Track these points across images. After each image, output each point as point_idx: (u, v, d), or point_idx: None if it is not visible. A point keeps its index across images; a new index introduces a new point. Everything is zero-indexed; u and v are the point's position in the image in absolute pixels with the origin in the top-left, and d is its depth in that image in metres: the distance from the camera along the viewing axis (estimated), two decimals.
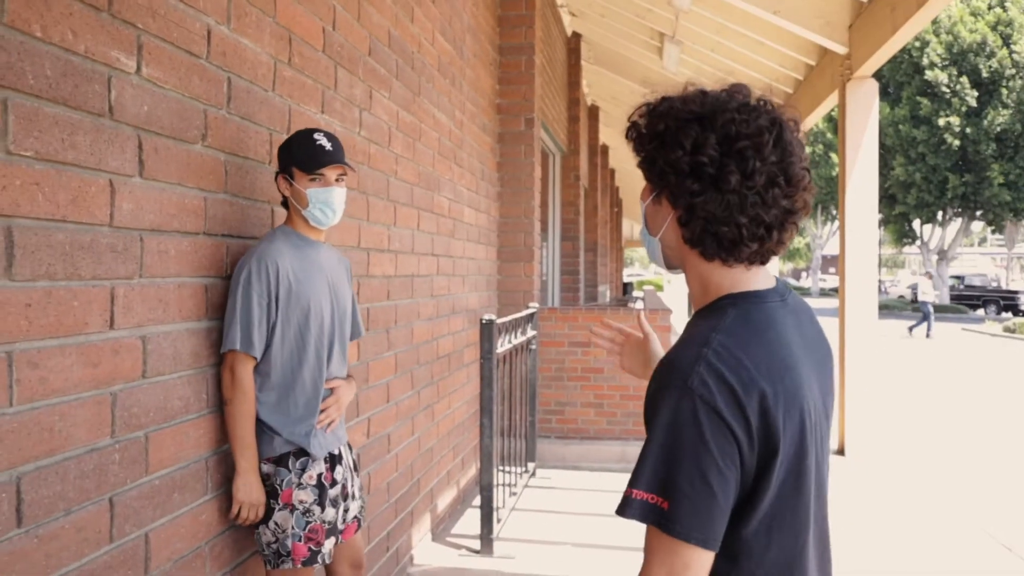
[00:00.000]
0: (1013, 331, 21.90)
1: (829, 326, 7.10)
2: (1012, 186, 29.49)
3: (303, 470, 2.46)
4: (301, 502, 2.44)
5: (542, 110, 7.68)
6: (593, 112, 13.83)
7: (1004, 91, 28.48)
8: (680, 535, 1.14)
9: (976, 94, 28.62)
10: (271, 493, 2.44)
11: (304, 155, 2.46)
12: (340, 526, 2.59)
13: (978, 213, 31.80)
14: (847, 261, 6.98)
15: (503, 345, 4.95)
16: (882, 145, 29.94)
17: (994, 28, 28.77)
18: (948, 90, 28.83)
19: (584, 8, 9.64)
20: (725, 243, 1.26)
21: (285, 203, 2.56)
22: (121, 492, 1.96)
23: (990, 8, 29.23)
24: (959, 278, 36.14)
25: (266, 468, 2.45)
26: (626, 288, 24.23)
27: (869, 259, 6.97)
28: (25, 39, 1.67)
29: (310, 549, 2.44)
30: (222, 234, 2.42)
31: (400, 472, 4.17)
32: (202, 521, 2.31)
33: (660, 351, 1.81)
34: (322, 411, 2.54)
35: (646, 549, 1.18)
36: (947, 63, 28.96)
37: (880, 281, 46.00)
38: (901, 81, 30.44)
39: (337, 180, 2.51)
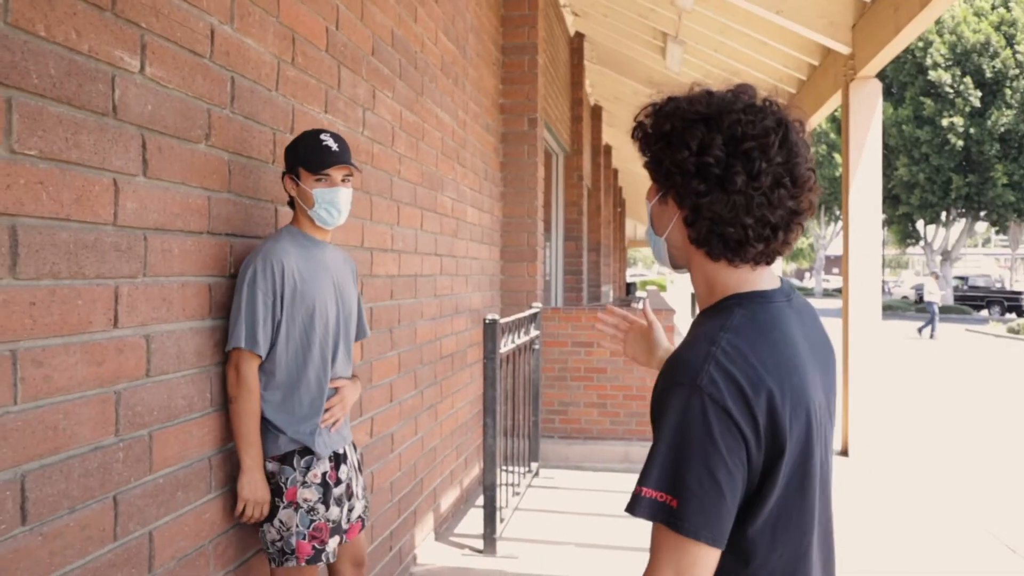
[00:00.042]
0: (1017, 332, 21.86)
1: (833, 327, 7.10)
2: (1016, 187, 29.43)
3: (308, 468, 2.47)
4: (305, 500, 2.45)
5: (545, 110, 7.68)
6: (596, 112, 13.83)
7: (1008, 91, 28.43)
8: (689, 533, 1.14)
9: (980, 94, 28.57)
10: (276, 491, 2.44)
11: (310, 155, 2.47)
12: (344, 525, 2.60)
13: (982, 214, 31.74)
14: (851, 261, 6.97)
15: (506, 345, 4.95)
16: (885, 145, 29.91)
17: (998, 28, 28.71)
18: (952, 90, 28.78)
19: (587, 8, 9.64)
20: (731, 243, 1.27)
21: (291, 203, 2.57)
22: (125, 490, 1.97)
23: (994, 8, 29.17)
24: (963, 279, 36.07)
25: (271, 466, 2.45)
26: (629, 288, 24.24)
27: (873, 259, 6.96)
28: (29, 38, 1.67)
29: (314, 548, 2.45)
30: (226, 233, 2.43)
31: (403, 472, 4.17)
32: (206, 520, 2.31)
33: (664, 340, 1.84)
34: (327, 410, 2.55)
35: (653, 547, 1.19)
36: (951, 63, 28.91)
37: (884, 282, 45.98)
38: (904, 81, 30.39)
39: (343, 181, 2.52)
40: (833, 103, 7.91)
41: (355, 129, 3.48)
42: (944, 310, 29.44)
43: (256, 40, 2.61)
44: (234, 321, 2.36)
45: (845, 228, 7.12)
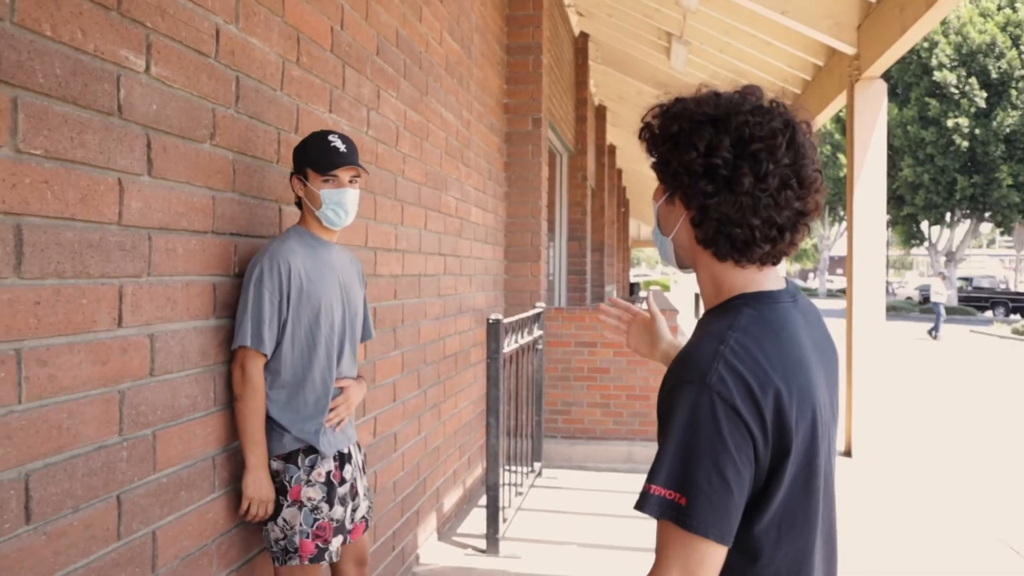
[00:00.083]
0: (1021, 333, 21.82)
1: (837, 327, 7.09)
2: (1021, 187, 29.37)
3: (312, 467, 2.48)
4: (310, 499, 2.45)
5: (549, 110, 7.68)
6: (600, 112, 13.82)
7: (1013, 92, 28.37)
8: (697, 530, 1.15)
9: (985, 95, 28.51)
10: (280, 490, 2.45)
11: (318, 156, 2.48)
12: (348, 525, 2.60)
13: (987, 215, 31.68)
14: (855, 262, 6.96)
15: (509, 345, 4.95)
16: (890, 146, 29.85)
17: (1003, 29, 28.65)
18: (957, 91, 28.72)
19: (592, 8, 9.64)
20: (738, 244, 1.27)
21: (299, 203, 2.58)
22: (129, 490, 1.97)
23: (999, 9, 29.11)
24: (967, 280, 36.00)
25: (275, 465, 2.46)
26: (633, 288, 24.26)
27: (877, 260, 6.95)
28: (35, 38, 1.67)
29: (317, 546, 2.45)
30: (230, 233, 2.43)
31: (406, 471, 4.17)
32: (209, 519, 2.32)
33: (667, 333, 1.85)
34: (332, 410, 2.55)
35: (661, 544, 1.19)
36: (956, 64, 28.86)
37: (888, 282, 45.89)
38: (910, 82, 30.33)
39: (351, 182, 2.53)
40: (838, 104, 7.90)
41: (359, 129, 3.49)
42: (949, 311, 29.39)
43: (261, 40, 2.61)
44: (240, 320, 2.36)
45: (849, 229, 7.11)
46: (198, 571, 2.26)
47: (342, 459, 2.58)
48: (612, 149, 16.54)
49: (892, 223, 34.10)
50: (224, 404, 2.40)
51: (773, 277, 1.34)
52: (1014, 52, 28.23)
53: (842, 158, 34.35)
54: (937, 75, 28.77)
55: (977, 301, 33.63)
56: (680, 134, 1.29)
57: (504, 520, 4.71)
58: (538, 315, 6.04)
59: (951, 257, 33.92)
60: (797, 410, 1.21)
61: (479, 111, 5.73)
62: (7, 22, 1.61)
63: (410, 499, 4.24)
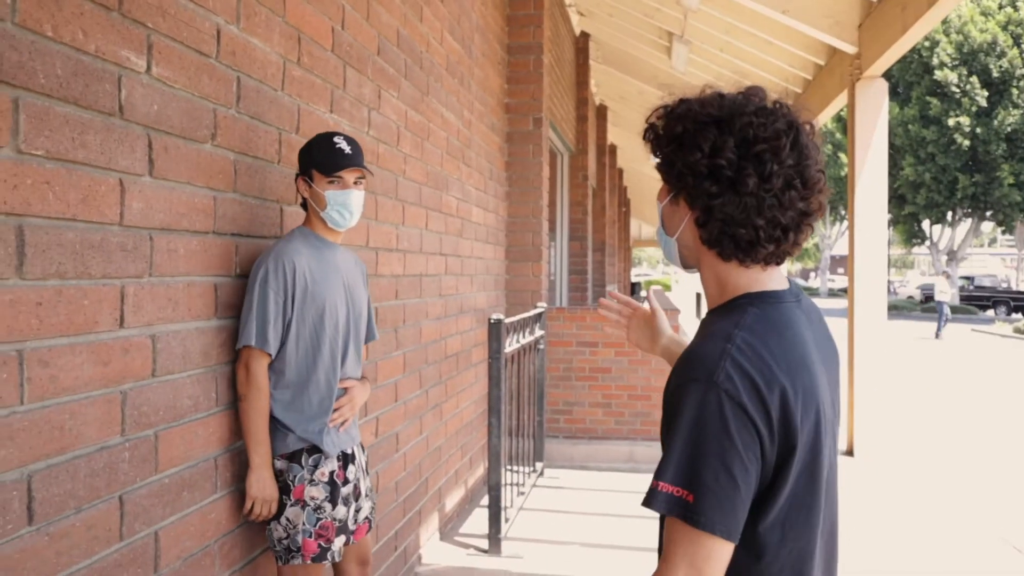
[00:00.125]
0: (1023, 332, 21.79)
1: (838, 326, 7.08)
2: (1022, 186, 29.34)
3: (315, 467, 2.48)
4: (313, 498, 2.46)
5: (550, 109, 7.68)
6: (601, 112, 13.82)
7: (1015, 91, 28.35)
8: (704, 527, 1.16)
9: (986, 94, 28.49)
10: (283, 489, 2.46)
11: (323, 158, 2.49)
12: (351, 526, 2.60)
13: (988, 213, 31.66)
14: (856, 261, 6.96)
15: (511, 345, 4.95)
16: (891, 145, 29.82)
17: (1004, 28, 28.63)
18: (958, 90, 28.70)
19: (592, 7, 9.63)
20: (742, 244, 1.28)
21: (304, 205, 2.59)
22: (131, 490, 1.97)
23: (1001, 8, 29.09)
24: (969, 279, 35.98)
25: (279, 464, 2.47)
26: (634, 288, 24.25)
27: (878, 259, 6.95)
28: (36, 39, 1.67)
29: (320, 546, 2.46)
30: (231, 233, 2.43)
31: (408, 471, 4.17)
32: (211, 519, 2.32)
33: (667, 328, 1.87)
34: (336, 410, 2.56)
35: (668, 541, 1.20)
36: (957, 63, 28.84)
37: (889, 281, 45.87)
38: (911, 81, 30.32)
39: (355, 183, 2.54)
40: (839, 103, 7.89)
41: (360, 129, 3.48)
42: (951, 310, 29.38)
43: (262, 40, 2.61)
44: (245, 319, 2.37)
45: (851, 228, 7.11)
46: (200, 571, 2.26)
47: (345, 459, 2.59)
48: (613, 149, 16.53)
49: (893, 222, 34.07)
50: (226, 404, 2.40)
51: (777, 277, 1.35)
52: (1015, 51, 28.21)
53: (843, 157, 34.34)
54: (938, 74, 28.75)
55: (979, 300, 33.61)
56: (685, 135, 1.30)
57: (506, 520, 4.71)
58: (539, 315, 6.04)
59: (952, 256, 33.90)
60: (802, 408, 1.22)
61: (480, 111, 5.73)
62: (8, 22, 1.61)
63: (412, 499, 4.24)
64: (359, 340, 2.71)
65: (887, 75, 7.08)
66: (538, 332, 6.00)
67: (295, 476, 2.46)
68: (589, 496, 5.75)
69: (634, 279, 34.82)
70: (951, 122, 28.66)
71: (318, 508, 2.46)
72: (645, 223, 34.82)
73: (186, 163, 2.19)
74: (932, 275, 44.92)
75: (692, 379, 1.21)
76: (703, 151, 1.27)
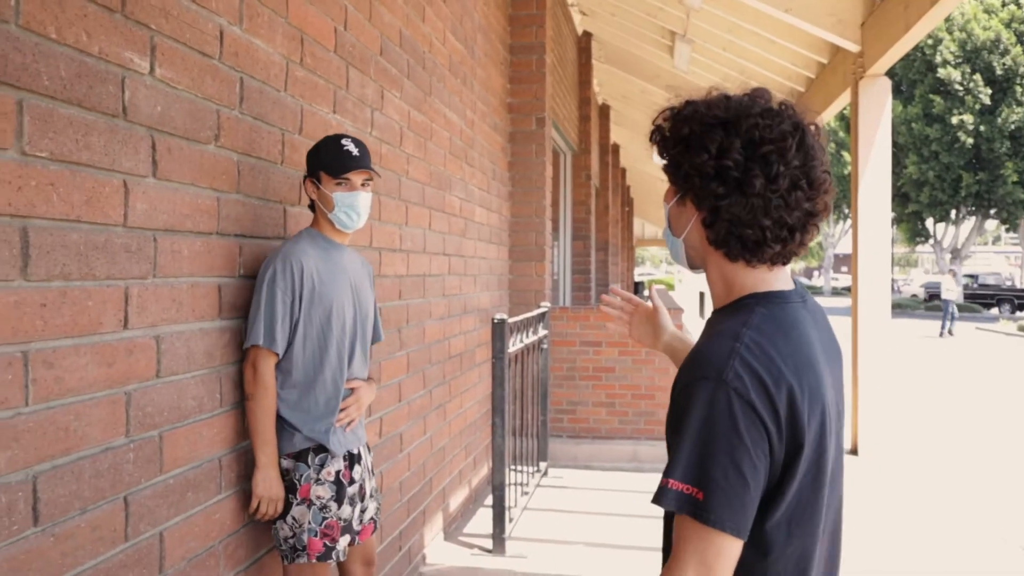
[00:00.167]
0: None
1: (842, 325, 7.07)
2: None
3: (322, 466, 2.50)
4: (319, 498, 2.47)
5: (553, 109, 7.67)
6: (604, 111, 13.81)
7: (1018, 89, 28.28)
8: (714, 524, 1.17)
9: (990, 92, 28.43)
10: (290, 488, 2.47)
11: (331, 160, 2.51)
12: (357, 526, 2.61)
13: (992, 211, 31.59)
14: (860, 260, 6.95)
15: (515, 344, 4.95)
16: (895, 143, 29.76)
17: (1008, 25, 28.57)
18: (961, 88, 28.64)
19: (595, 7, 9.62)
20: (749, 244, 1.30)
21: (311, 206, 2.61)
22: (136, 491, 1.97)
23: (1004, 5, 29.02)
24: (973, 277, 35.90)
25: (285, 464, 2.48)
26: (637, 287, 24.27)
27: (882, 258, 6.93)
28: (40, 40, 1.68)
29: (325, 545, 2.47)
30: (235, 234, 2.43)
31: (412, 471, 4.17)
32: (216, 520, 2.32)
33: (670, 324, 1.89)
34: (342, 410, 2.58)
35: (678, 538, 1.21)
36: (960, 61, 28.78)
37: (893, 280, 45.77)
38: (914, 79, 30.26)
39: (363, 185, 2.57)
40: (842, 101, 7.88)
41: (363, 129, 3.49)
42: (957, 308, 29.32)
43: (265, 41, 2.61)
44: (253, 319, 2.39)
45: (854, 226, 7.10)
46: (205, 572, 2.26)
47: (352, 459, 2.60)
48: (616, 148, 16.52)
49: (897, 220, 34.02)
50: (230, 405, 2.40)
51: (783, 277, 1.36)
52: (1019, 48, 28.14)
53: (847, 156, 34.28)
54: (941, 72, 28.70)
55: (983, 298, 33.55)
56: (691, 137, 1.31)
57: (510, 520, 4.71)
58: (543, 315, 6.04)
59: (956, 254, 33.84)
60: (808, 407, 1.23)
61: (483, 111, 5.73)
62: (12, 24, 1.61)
63: (416, 499, 4.24)
64: (366, 341, 2.73)
65: (890, 73, 7.07)
66: (542, 332, 6.00)
67: (301, 475, 2.47)
68: (593, 496, 5.75)
69: (637, 278, 34.82)
70: (954, 120, 28.60)
71: (324, 507, 2.47)
72: (648, 222, 34.79)
73: (190, 164, 2.19)
74: (936, 273, 44.84)
75: (701, 377, 1.22)
76: (710, 152, 1.28)
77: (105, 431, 1.87)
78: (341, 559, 2.53)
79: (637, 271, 59.02)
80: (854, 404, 6.87)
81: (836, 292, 48.17)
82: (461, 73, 5.12)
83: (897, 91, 30.63)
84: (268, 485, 2.41)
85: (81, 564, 1.79)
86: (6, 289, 1.60)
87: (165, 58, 2.08)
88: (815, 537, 1.29)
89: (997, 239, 66.63)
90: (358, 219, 2.57)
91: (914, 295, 39.83)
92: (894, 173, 29.81)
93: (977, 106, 28.56)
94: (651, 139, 1.39)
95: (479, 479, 5.73)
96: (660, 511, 1.32)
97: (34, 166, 1.66)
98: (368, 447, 2.78)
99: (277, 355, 2.43)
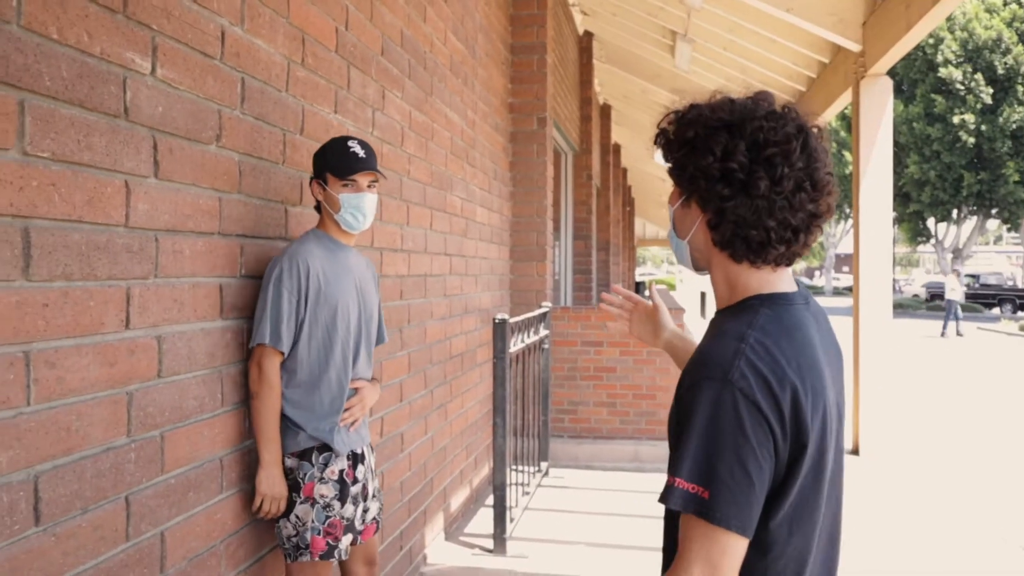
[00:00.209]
0: None
1: (843, 325, 7.07)
2: None
3: (326, 465, 2.51)
4: (322, 496, 2.49)
5: (554, 109, 7.67)
6: (605, 111, 13.81)
7: (1020, 88, 28.25)
8: (720, 522, 1.19)
9: (991, 91, 28.39)
10: (293, 487, 2.49)
11: (338, 161, 2.54)
12: (359, 526, 2.63)
13: (993, 211, 31.56)
14: (861, 260, 6.94)
15: (516, 344, 4.95)
16: (896, 143, 29.75)
17: (1009, 25, 28.54)
18: (963, 87, 28.61)
19: (596, 7, 9.62)
20: (754, 245, 1.32)
21: (318, 207, 2.63)
22: (137, 491, 1.97)
23: (1005, 4, 28.99)
24: (974, 276, 35.87)
25: (289, 462, 2.50)
26: (638, 287, 24.27)
27: (883, 258, 6.93)
28: (42, 41, 1.68)
29: (328, 543, 2.48)
30: (236, 234, 2.44)
31: (413, 471, 4.18)
32: (217, 520, 2.32)
33: (670, 322, 1.91)
34: (346, 410, 2.59)
35: (684, 537, 1.23)
36: (962, 60, 28.75)
37: (894, 280, 45.75)
38: (915, 78, 30.24)
39: (369, 186, 2.59)
40: (843, 101, 7.87)
41: (365, 129, 3.49)
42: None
43: (266, 41, 2.61)
44: (259, 318, 2.41)
45: (856, 226, 7.09)
46: (206, 572, 2.27)
47: (355, 459, 2.61)
48: (617, 148, 16.52)
49: (898, 220, 34.00)
50: (232, 405, 2.41)
51: (786, 279, 1.38)
52: (1020, 48, 28.11)
53: (848, 155, 34.25)
54: (943, 71, 28.67)
55: (984, 298, 33.52)
56: (696, 139, 1.33)
57: (511, 520, 4.71)
58: (544, 315, 6.04)
59: (958, 254, 33.80)
60: (812, 407, 1.25)
61: (484, 111, 5.73)
62: (14, 25, 1.61)
63: (417, 499, 4.24)
64: (370, 341, 2.75)
65: (891, 73, 7.06)
66: (543, 332, 6.00)
67: (305, 474, 2.49)
68: (594, 496, 5.75)
69: (639, 278, 34.82)
70: (956, 119, 28.57)
71: (327, 506, 2.49)
72: (650, 222, 34.79)
73: (191, 164, 2.19)
74: (937, 273, 44.78)
75: (707, 378, 1.24)
76: (715, 155, 1.30)
77: (107, 431, 1.87)
78: (343, 558, 2.54)
79: (638, 271, 59.02)
80: (855, 404, 6.86)
81: (837, 292, 48.13)
82: (462, 73, 5.12)
83: (898, 90, 30.61)
84: (271, 483, 2.42)
85: (82, 564, 1.79)
86: (8, 289, 1.60)
87: (167, 58, 2.08)
88: (813, 535, 1.31)
89: (999, 239, 66.59)
90: (364, 220, 2.59)
91: (915, 295, 39.80)
92: (895, 173, 29.81)
93: (978, 105, 28.53)
94: (656, 142, 1.42)
95: (480, 479, 5.73)
96: (661, 511, 1.33)
97: (36, 166, 1.66)
98: (371, 447, 2.79)
99: (282, 354, 2.44)
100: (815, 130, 1.34)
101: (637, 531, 4.82)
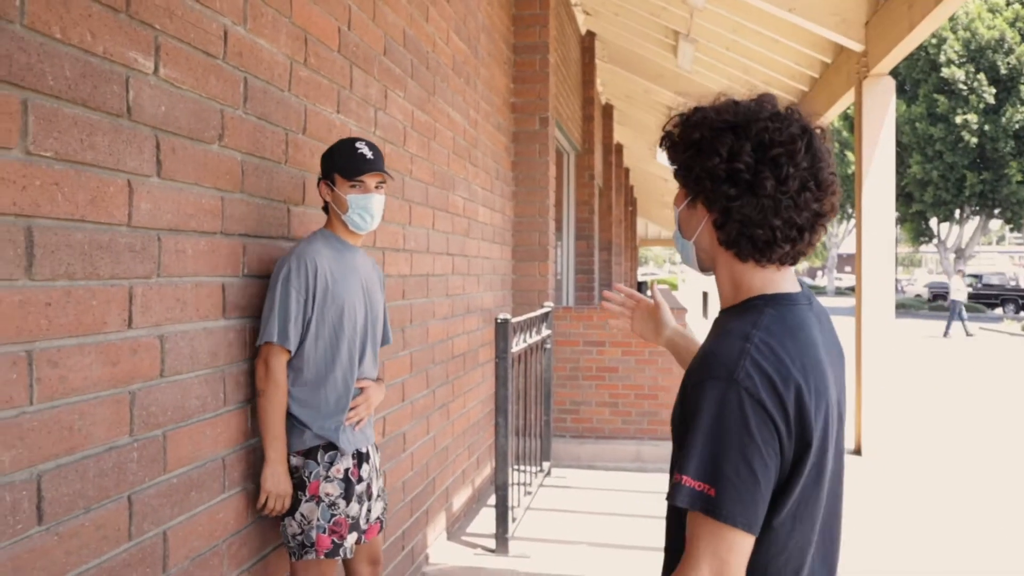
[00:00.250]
0: None
1: (846, 325, 7.06)
2: None
3: (331, 464, 2.52)
4: (327, 495, 2.50)
5: (556, 109, 7.67)
6: (607, 111, 13.80)
7: (1023, 88, 28.19)
8: (726, 519, 1.20)
9: (994, 91, 28.34)
10: (299, 485, 2.50)
11: (346, 162, 2.56)
12: (364, 525, 2.64)
13: (996, 211, 31.51)
14: (864, 260, 6.94)
15: (518, 344, 4.95)
16: (899, 143, 29.72)
17: (1012, 25, 28.48)
18: (965, 87, 28.56)
19: (598, 7, 9.62)
20: (760, 244, 1.34)
21: (325, 208, 2.65)
22: (139, 490, 1.98)
23: (1008, 4, 28.94)
24: (977, 276, 35.82)
25: (295, 461, 2.51)
26: (640, 287, 24.26)
27: (886, 258, 6.92)
28: (45, 40, 1.68)
29: (333, 542, 2.49)
30: (239, 234, 2.44)
31: (415, 471, 4.18)
32: (219, 519, 2.32)
33: (671, 320, 1.94)
34: (352, 409, 2.60)
35: (691, 534, 1.24)
36: (964, 60, 28.70)
37: (897, 280, 45.72)
38: (918, 78, 30.18)
39: (376, 187, 2.61)
40: (846, 101, 7.87)
41: (367, 129, 3.49)
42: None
43: (269, 41, 2.61)
44: (267, 317, 2.42)
45: (858, 226, 7.08)
46: (209, 571, 2.27)
47: (360, 458, 2.63)
48: (619, 148, 16.51)
49: (901, 220, 33.93)
50: (234, 404, 2.41)
51: (789, 279, 1.40)
52: (1023, 48, 28.06)
53: (850, 155, 34.20)
54: (945, 71, 28.62)
55: (987, 298, 33.47)
56: (702, 141, 1.35)
57: (513, 519, 4.71)
58: (546, 314, 6.04)
59: (960, 254, 33.74)
60: (815, 405, 1.27)
61: (486, 111, 5.73)
62: (17, 24, 1.61)
63: (419, 499, 4.24)
64: (376, 342, 2.76)
65: (894, 73, 7.06)
66: (545, 332, 6.00)
67: (311, 472, 2.50)
68: (596, 496, 5.75)
69: (641, 278, 34.81)
70: (958, 119, 28.52)
71: (332, 504, 2.50)
72: (652, 222, 34.76)
73: (194, 164, 2.20)
74: (939, 273, 44.72)
75: (712, 377, 1.26)
76: (721, 156, 1.32)
77: (109, 430, 1.87)
78: (348, 556, 2.56)
79: (641, 271, 59.02)
80: (858, 404, 6.86)
81: (840, 292, 48.09)
82: (465, 73, 5.12)
83: (901, 90, 30.57)
84: (276, 481, 2.43)
85: (85, 563, 1.79)
86: (11, 288, 1.60)
87: (169, 58, 2.08)
88: (813, 532, 1.33)
89: (1001, 239, 66.49)
90: (372, 221, 2.61)
91: (918, 295, 39.74)
92: (898, 173, 29.76)
93: (981, 105, 28.47)
94: (661, 144, 1.44)
95: (482, 479, 5.73)
96: (663, 511, 1.34)
97: (39, 166, 1.67)
98: (376, 447, 2.80)
99: (289, 352, 2.46)
100: (818, 131, 1.36)
101: (639, 531, 4.82)
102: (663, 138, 1.44)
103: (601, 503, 5.52)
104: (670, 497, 1.26)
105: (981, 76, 28.22)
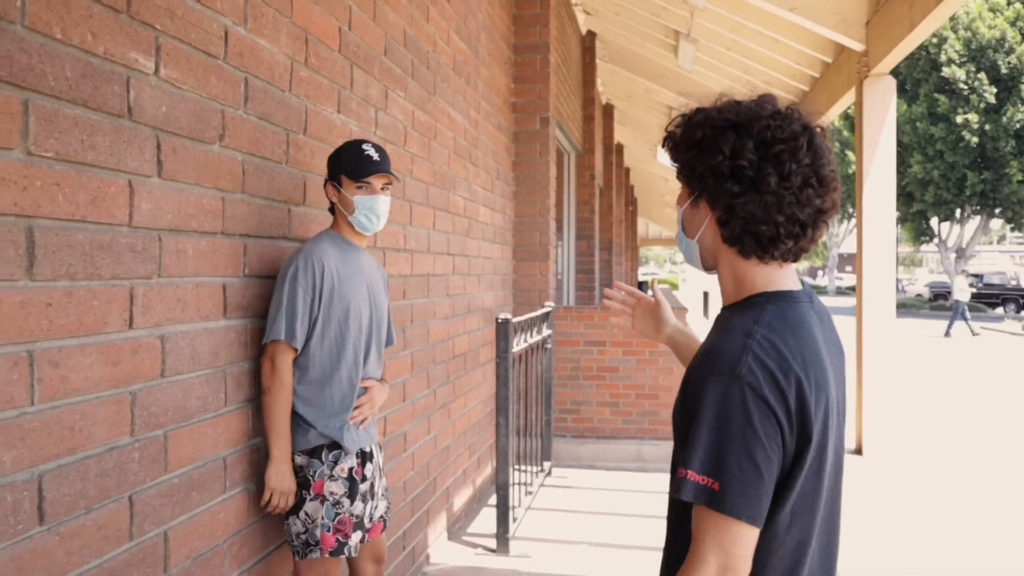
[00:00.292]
0: None
1: (847, 325, 7.06)
2: None
3: (335, 463, 2.54)
4: (332, 493, 2.51)
5: (557, 109, 7.67)
6: (608, 111, 13.80)
7: (1023, 87, 28.17)
8: (731, 513, 1.22)
9: (995, 91, 28.32)
10: (303, 484, 2.51)
11: (352, 164, 2.59)
12: (367, 523, 2.65)
13: (997, 211, 31.49)
14: (864, 259, 6.93)
15: (519, 344, 4.95)
16: (899, 142, 29.71)
17: (1013, 24, 28.46)
18: (966, 87, 28.54)
19: (599, 6, 9.62)
20: (763, 241, 1.36)
21: (332, 209, 2.67)
22: (141, 490, 1.98)
23: (1009, 4, 28.92)
24: (978, 276, 35.80)
25: (299, 460, 2.52)
26: (641, 287, 24.26)
27: (887, 257, 6.92)
28: (46, 41, 1.68)
29: (338, 540, 2.51)
30: (240, 234, 2.44)
31: (416, 471, 4.18)
32: (221, 519, 2.32)
33: (672, 318, 1.96)
34: (356, 408, 2.61)
35: (696, 528, 1.26)
36: (965, 59, 28.68)
37: (897, 279, 45.69)
38: (918, 78, 30.17)
39: (383, 189, 2.64)
40: (847, 100, 7.87)
41: (368, 129, 3.49)
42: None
43: (269, 41, 2.61)
44: (274, 315, 2.44)
45: (859, 226, 7.08)
46: (210, 571, 2.27)
47: (364, 457, 2.64)
48: (620, 148, 16.50)
49: (902, 220, 33.91)
50: (235, 404, 2.41)
51: (791, 277, 1.42)
52: None
53: (851, 155, 34.18)
54: (946, 71, 28.60)
55: (988, 298, 33.46)
56: (705, 140, 1.37)
57: (514, 519, 4.71)
58: (547, 314, 6.04)
59: (961, 254, 33.72)
60: (815, 400, 1.29)
61: (487, 110, 5.73)
62: (18, 25, 1.62)
63: (420, 499, 4.24)
64: (380, 342, 2.78)
65: (895, 72, 7.06)
66: (545, 331, 6.00)
67: (315, 471, 2.51)
68: (597, 495, 5.75)
69: (641, 277, 34.81)
70: (959, 119, 28.50)
71: (337, 503, 2.51)
72: (652, 222, 34.76)
73: (194, 164, 2.20)
74: (940, 273, 44.71)
75: (715, 373, 1.27)
76: (724, 154, 1.34)
77: (110, 430, 1.87)
78: (352, 554, 2.57)
79: (641, 270, 59.02)
80: (858, 404, 6.86)
81: (840, 291, 48.07)
82: (465, 73, 5.12)
83: (902, 90, 30.56)
84: (281, 479, 2.44)
85: (86, 563, 1.79)
86: (12, 289, 1.61)
87: (170, 58, 2.08)
88: (812, 527, 1.34)
89: (1002, 238, 66.46)
90: (378, 222, 2.63)
91: (919, 295, 39.73)
92: (899, 172, 29.76)
93: (982, 105, 28.46)
94: (664, 145, 1.46)
95: (483, 479, 5.73)
96: (664, 511, 1.35)
97: (39, 166, 1.67)
98: (379, 446, 2.81)
99: (296, 350, 2.48)
100: (819, 129, 1.38)
101: (640, 531, 4.82)
102: (666, 138, 1.46)
103: (602, 503, 5.52)
104: (674, 491, 1.27)
105: (982, 75, 28.21)
